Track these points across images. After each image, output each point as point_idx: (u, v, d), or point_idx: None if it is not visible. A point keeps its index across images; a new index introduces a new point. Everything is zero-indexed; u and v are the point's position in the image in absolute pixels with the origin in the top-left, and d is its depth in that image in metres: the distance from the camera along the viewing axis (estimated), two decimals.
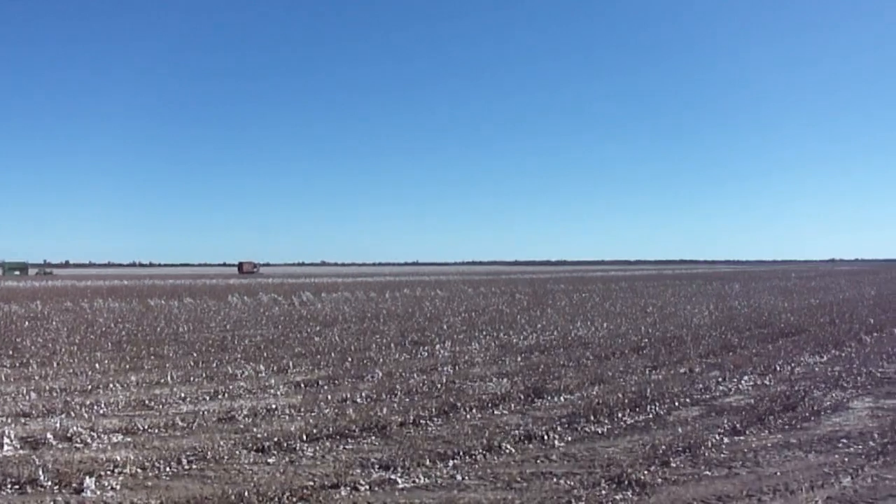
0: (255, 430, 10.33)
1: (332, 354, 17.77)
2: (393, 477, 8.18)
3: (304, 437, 9.77)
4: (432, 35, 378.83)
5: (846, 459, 8.71)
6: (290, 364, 16.31)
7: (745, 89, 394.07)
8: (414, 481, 8.08)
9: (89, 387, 13.69)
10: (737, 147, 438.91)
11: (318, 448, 9.44)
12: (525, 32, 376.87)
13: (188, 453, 9.06)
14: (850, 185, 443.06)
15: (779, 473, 8.21)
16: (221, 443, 9.49)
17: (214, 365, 16.37)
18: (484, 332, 22.37)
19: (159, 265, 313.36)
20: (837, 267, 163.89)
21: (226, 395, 13.02)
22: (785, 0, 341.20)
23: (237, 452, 9.15)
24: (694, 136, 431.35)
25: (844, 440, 9.60)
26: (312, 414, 11.40)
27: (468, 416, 11.17)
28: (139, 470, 8.47)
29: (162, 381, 14.35)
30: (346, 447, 9.53)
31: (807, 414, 10.99)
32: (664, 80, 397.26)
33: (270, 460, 8.93)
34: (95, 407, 11.85)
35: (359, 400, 12.42)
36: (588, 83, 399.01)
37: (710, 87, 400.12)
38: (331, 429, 10.20)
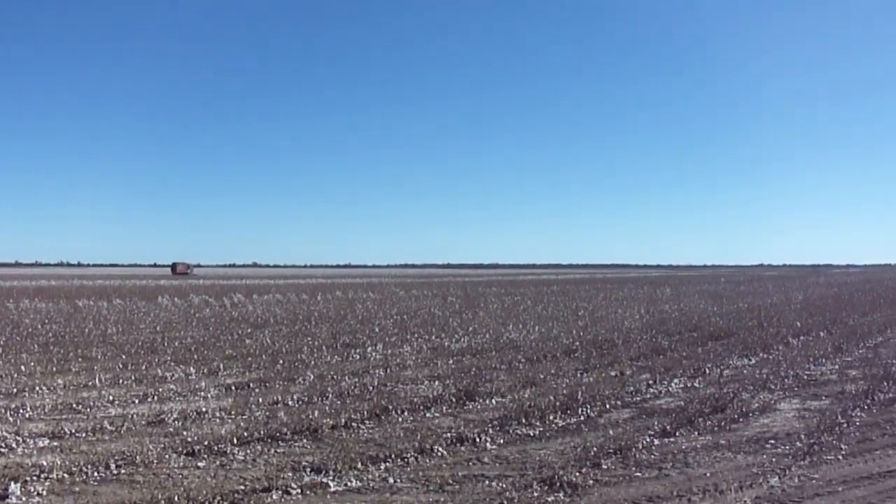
0: (185, 433, 10.13)
1: (264, 357, 17.56)
2: (325, 480, 8.11)
3: (235, 441, 9.62)
4: (364, 36, 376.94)
5: (774, 460, 8.90)
6: (221, 366, 16.08)
7: (686, 97, 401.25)
8: (346, 484, 8.02)
9: (15, 390, 13.29)
10: (665, 154, 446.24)
11: (249, 451, 9.31)
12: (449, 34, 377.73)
13: (117, 458, 8.84)
14: (778, 190, 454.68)
15: (708, 474, 8.35)
16: (151, 447, 9.28)
17: (144, 367, 16.03)
18: (416, 335, 22.30)
19: (88, 265, 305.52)
20: (766, 272, 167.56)
21: (155, 397, 12.76)
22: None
23: (167, 456, 8.97)
24: (621, 141, 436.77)
25: (772, 441, 9.80)
26: (243, 417, 11.25)
27: (400, 419, 11.14)
28: (66, 475, 8.24)
29: (90, 383, 13.98)
30: (278, 450, 9.42)
31: (735, 415, 11.18)
32: (603, 84, 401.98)
33: (201, 464, 8.77)
34: (21, 411, 11.51)
35: (290, 402, 12.29)
36: (522, 86, 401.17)
37: (648, 91, 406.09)
38: (262, 432, 10.07)
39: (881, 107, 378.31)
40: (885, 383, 13.45)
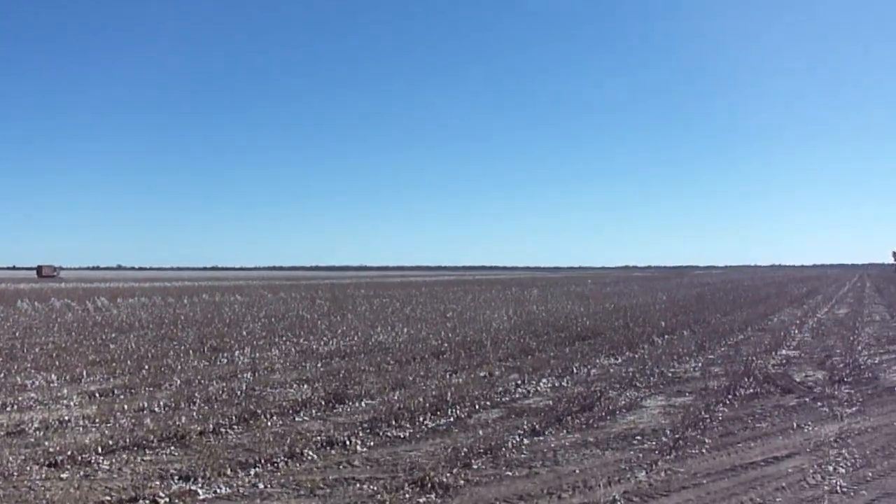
0: (46, 443, 9.59)
1: (129, 362, 16.87)
2: (193, 488, 7.84)
3: (100, 450, 9.18)
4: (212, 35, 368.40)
5: (641, 455, 9.11)
6: (84, 373, 15.33)
7: (556, 102, 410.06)
8: (215, 492, 7.78)
9: None
10: (532, 156, 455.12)
11: (114, 460, 8.90)
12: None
13: None
14: (642, 194, 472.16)
15: (577, 471, 8.47)
16: (10, 458, 8.75)
17: (2, 375, 15.10)
18: (284, 338, 21.94)
19: None
20: (631, 273, 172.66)
21: (14, 407, 12.03)
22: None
23: (28, 468, 8.47)
24: (484, 143, 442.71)
25: (639, 437, 10.03)
26: (108, 425, 10.75)
27: (269, 424, 10.90)
28: None
29: None
30: (144, 458, 9.05)
31: (603, 413, 11.38)
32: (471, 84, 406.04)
33: (64, 475, 8.33)
34: None
35: (156, 409, 11.84)
36: (379, 88, 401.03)
37: (506, 93, 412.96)
38: (127, 440, 9.64)
39: (731, 115, 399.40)
40: (746, 379, 13.98)
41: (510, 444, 9.51)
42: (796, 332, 23.68)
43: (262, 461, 8.77)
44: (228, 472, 8.38)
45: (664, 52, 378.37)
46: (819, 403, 12.28)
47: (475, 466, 8.64)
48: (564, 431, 10.35)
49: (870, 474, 8.34)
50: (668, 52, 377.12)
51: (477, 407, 12.03)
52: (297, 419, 11.27)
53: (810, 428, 10.55)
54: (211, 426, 10.48)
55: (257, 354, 18.42)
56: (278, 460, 8.83)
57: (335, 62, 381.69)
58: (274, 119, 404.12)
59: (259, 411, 11.41)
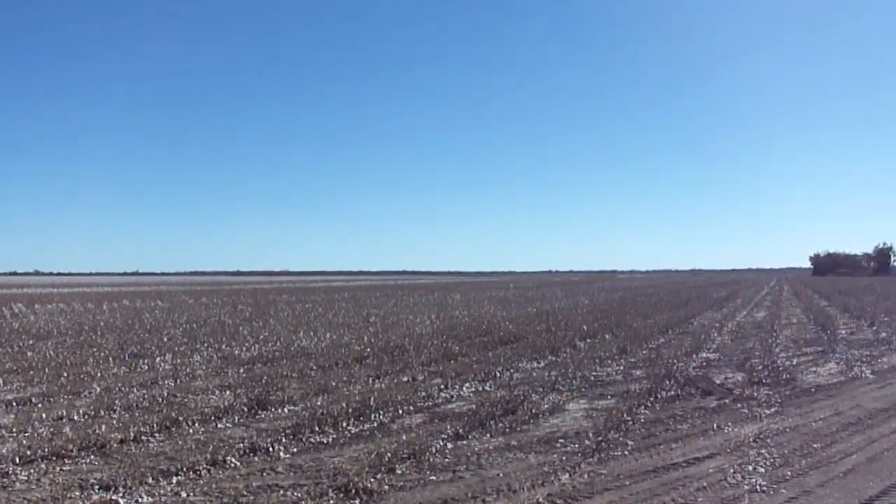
0: None
1: (47, 370, 16.34)
2: (114, 497, 7.66)
3: (17, 460, 8.89)
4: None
5: (564, 458, 9.17)
6: (1, 381, 14.81)
7: (477, 105, 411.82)
8: (137, 501, 7.61)
9: None
10: (454, 160, 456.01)
11: (32, 471, 8.63)
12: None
13: None
14: (565, 198, 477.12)
15: (501, 475, 8.49)
16: None
17: None
18: (206, 344, 21.55)
19: None
20: (553, 278, 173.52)
21: None
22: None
23: None
24: (401, 148, 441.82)
25: (562, 440, 10.08)
26: (26, 434, 10.40)
27: (191, 431, 10.69)
28: None
29: None
30: (64, 468, 8.79)
31: (526, 417, 11.39)
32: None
33: None
34: None
35: (76, 417, 11.50)
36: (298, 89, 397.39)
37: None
38: (46, 449, 9.34)
39: (650, 121, 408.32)
40: (667, 381, 14.10)
41: (434, 449, 9.47)
42: (716, 335, 24.01)
43: (185, 469, 8.61)
44: (150, 480, 8.21)
45: (596, 56, 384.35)
46: (739, 405, 12.51)
47: (399, 471, 8.60)
48: (488, 435, 10.35)
49: (788, 473, 8.58)
50: (605, 56, 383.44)
51: (400, 412, 11.97)
52: (219, 426, 11.08)
53: (730, 429, 10.77)
54: (132, 434, 10.22)
55: (179, 361, 18.07)
56: (201, 468, 8.67)
57: (233, 68, 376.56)
58: (186, 123, 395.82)
59: (181, 418, 11.18)
